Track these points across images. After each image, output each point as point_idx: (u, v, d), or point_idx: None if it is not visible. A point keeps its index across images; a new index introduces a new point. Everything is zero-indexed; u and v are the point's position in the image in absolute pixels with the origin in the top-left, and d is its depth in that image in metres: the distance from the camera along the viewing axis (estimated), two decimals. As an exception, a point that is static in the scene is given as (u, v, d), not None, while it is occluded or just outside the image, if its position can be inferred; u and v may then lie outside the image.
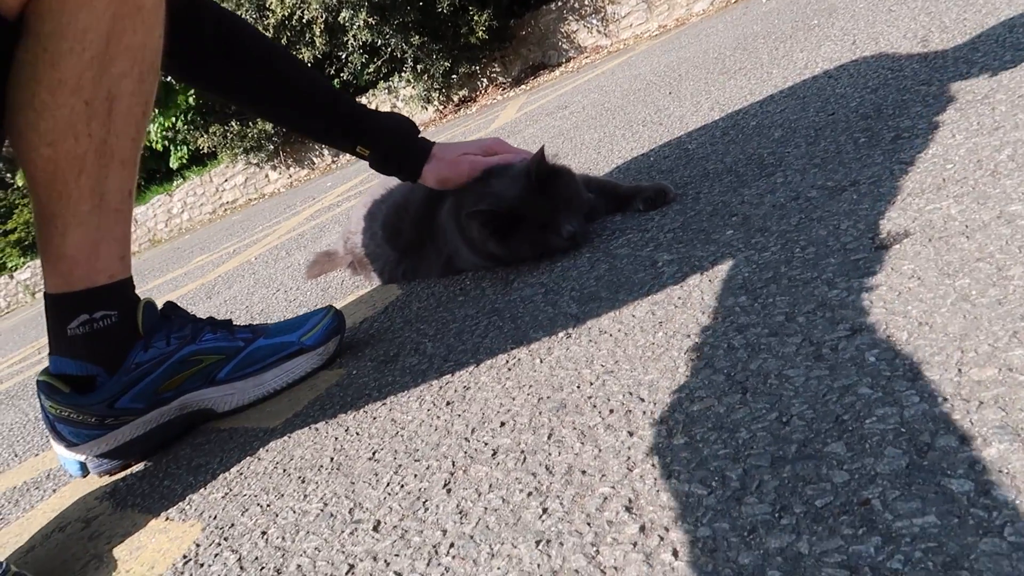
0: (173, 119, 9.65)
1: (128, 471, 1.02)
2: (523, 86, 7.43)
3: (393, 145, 1.17)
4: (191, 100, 9.38)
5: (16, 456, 1.41)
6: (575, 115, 2.95)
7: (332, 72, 8.62)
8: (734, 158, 1.24)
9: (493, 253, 1.13)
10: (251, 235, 4.51)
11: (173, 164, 10.72)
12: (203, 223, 10.13)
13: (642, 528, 0.47)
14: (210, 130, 9.27)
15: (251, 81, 1.10)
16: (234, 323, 1.10)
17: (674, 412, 0.59)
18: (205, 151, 9.87)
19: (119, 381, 0.98)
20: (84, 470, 1.00)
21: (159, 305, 1.04)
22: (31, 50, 0.84)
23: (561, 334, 0.84)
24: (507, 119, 4.47)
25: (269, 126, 9.02)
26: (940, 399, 0.47)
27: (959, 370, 0.50)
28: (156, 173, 11.15)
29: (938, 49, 1.39)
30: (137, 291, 1.02)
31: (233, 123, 9.11)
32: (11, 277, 12.25)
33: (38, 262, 12.10)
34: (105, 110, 0.89)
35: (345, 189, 4.75)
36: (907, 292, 0.62)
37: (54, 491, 1.09)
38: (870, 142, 1.03)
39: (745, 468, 0.49)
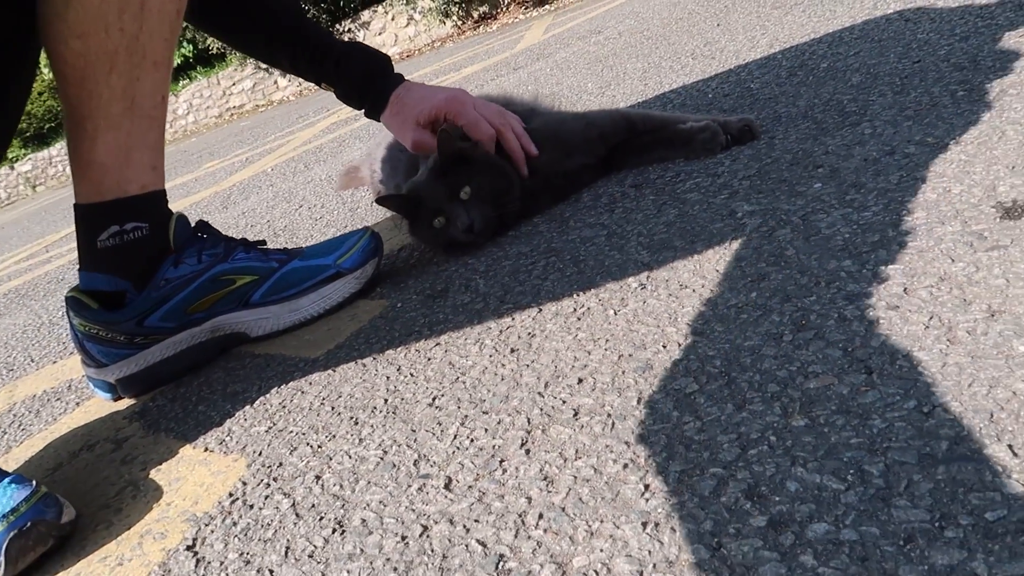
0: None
1: (156, 391, 0.98)
2: (547, 6, 7.15)
3: (355, 84, 1.11)
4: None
5: (32, 361, 1.37)
6: (611, 41, 2.81)
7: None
8: (808, 102, 1.16)
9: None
10: (263, 144, 4.39)
11: (176, 61, 10.42)
12: (208, 127, 9.89)
13: (771, 522, 0.43)
14: (219, 30, 8.93)
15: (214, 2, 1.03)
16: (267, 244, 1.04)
17: (786, 387, 0.53)
18: (214, 52, 9.57)
19: (148, 297, 0.93)
20: (114, 393, 0.96)
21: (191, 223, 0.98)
22: None
23: (634, 284, 0.78)
24: (533, 40, 4.30)
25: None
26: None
27: None
28: (161, 71, 10.83)
29: (1033, -3, 1.28)
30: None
31: (243, 24, 8.76)
32: (12, 168, 12.06)
33: (39, 154, 11.90)
34: (138, 3, 0.81)
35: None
36: (1052, 273, 0.55)
37: (77, 404, 1.05)
38: (971, 96, 0.95)
39: (887, 463, 0.44)
